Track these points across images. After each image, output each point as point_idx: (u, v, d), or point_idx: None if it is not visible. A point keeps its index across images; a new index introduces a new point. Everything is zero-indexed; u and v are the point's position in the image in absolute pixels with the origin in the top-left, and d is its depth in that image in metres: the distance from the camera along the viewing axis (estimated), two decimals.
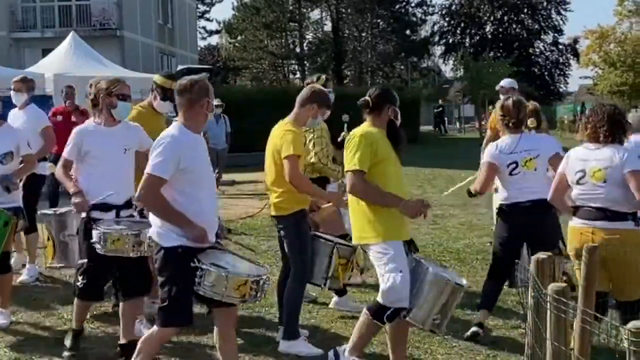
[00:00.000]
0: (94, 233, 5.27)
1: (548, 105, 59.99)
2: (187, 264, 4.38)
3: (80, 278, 5.49)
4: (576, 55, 60.45)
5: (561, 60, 61.64)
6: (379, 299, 5.06)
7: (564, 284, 3.27)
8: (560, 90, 63.52)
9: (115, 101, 5.61)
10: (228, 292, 4.36)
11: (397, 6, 53.19)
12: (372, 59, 52.24)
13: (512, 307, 6.96)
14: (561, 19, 59.72)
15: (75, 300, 5.66)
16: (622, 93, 53.32)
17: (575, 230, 5.37)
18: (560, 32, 60.12)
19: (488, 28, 59.59)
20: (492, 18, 58.98)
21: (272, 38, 52.60)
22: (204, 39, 63.16)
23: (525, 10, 58.27)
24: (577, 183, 5.33)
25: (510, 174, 6.01)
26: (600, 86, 54.19)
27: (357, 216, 5.18)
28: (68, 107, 10.77)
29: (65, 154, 5.63)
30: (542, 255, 3.68)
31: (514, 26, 59.27)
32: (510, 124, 6.08)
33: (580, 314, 3.27)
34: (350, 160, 5.11)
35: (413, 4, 54.70)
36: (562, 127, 42.52)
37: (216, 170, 17.01)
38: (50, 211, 7.19)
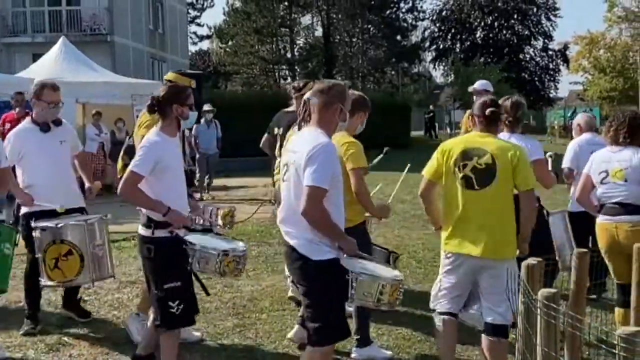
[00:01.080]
0: (195, 252, 4.88)
1: (538, 110, 60.25)
2: (342, 275, 4.26)
3: (175, 304, 4.92)
4: (566, 61, 60.73)
5: (551, 66, 61.87)
6: (503, 319, 4.84)
7: (554, 290, 3.27)
8: (550, 95, 63.72)
9: (187, 111, 5.16)
10: (384, 298, 4.27)
11: (388, 12, 53.30)
12: (363, 65, 52.32)
13: None
14: (551, 25, 59.99)
15: (166, 333, 5.06)
16: (612, 99, 53.63)
17: (601, 227, 5.81)
18: (550, 37, 60.37)
19: (478, 34, 59.77)
20: (482, 24, 59.16)
21: (263, 43, 52.61)
22: (194, 44, 63.32)
23: (516, 16, 58.48)
24: (601, 183, 5.82)
25: None
26: (590, 92, 54.51)
27: (495, 229, 4.87)
28: (19, 114, 10.78)
29: (138, 169, 4.88)
30: (532, 260, 3.68)
31: (504, 32, 59.48)
32: (507, 122, 6.09)
33: (570, 320, 3.27)
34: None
35: (404, 10, 54.87)
36: (552, 133, 42.64)
37: (207, 176, 17.06)
38: (73, 221, 6.05)
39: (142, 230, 5.02)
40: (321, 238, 4.32)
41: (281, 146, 7.60)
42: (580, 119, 8.30)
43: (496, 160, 4.82)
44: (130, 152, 5.54)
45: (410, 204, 13.59)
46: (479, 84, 10.09)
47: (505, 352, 4.88)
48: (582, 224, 6.65)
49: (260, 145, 7.71)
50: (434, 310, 5.16)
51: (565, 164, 7.64)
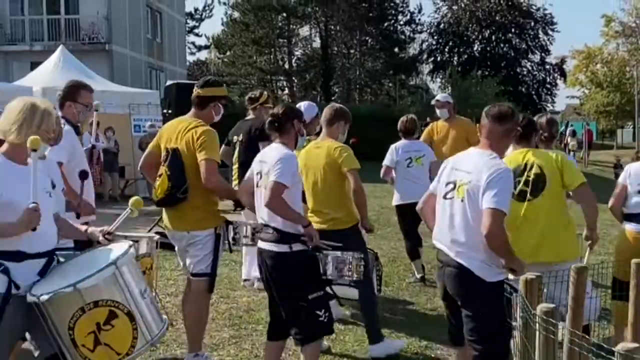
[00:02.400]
0: (329, 260, 5.07)
1: None
2: (503, 295, 4.35)
3: (322, 312, 5.05)
4: (563, 75, 60.82)
5: (548, 80, 61.96)
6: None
7: (553, 305, 3.26)
8: (547, 109, 63.81)
9: (302, 128, 5.40)
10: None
11: (386, 24, 53.37)
12: (360, 76, 52.38)
13: None
14: (548, 39, 60.10)
15: (313, 344, 5.15)
16: (609, 113, 53.69)
17: (631, 235, 6.06)
18: (547, 52, 60.48)
19: (476, 47, 59.86)
20: (480, 37, 59.27)
21: (261, 54, 52.65)
22: (192, 54, 63.18)
23: (513, 30, 58.60)
24: (638, 193, 6.08)
25: None
26: (587, 106, 54.56)
27: (554, 234, 5.18)
28: None
29: (284, 180, 4.96)
30: (530, 275, 3.68)
31: (502, 45, 59.58)
32: (542, 138, 6.18)
33: (569, 335, 3.26)
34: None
35: (402, 22, 54.92)
36: (556, 146, 42.69)
37: None
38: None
39: (274, 247, 5.02)
40: (492, 260, 4.43)
41: (240, 153, 7.82)
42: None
43: (543, 169, 5.25)
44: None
45: None
46: (441, 97, 10.57)
47: None
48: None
49: None
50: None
51: None
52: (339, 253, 5.12)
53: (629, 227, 6.13)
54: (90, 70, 20.17)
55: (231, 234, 5.73)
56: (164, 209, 5.89)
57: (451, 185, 4.59)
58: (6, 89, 17.75)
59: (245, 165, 7.71)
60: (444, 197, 4.63)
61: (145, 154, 6.14)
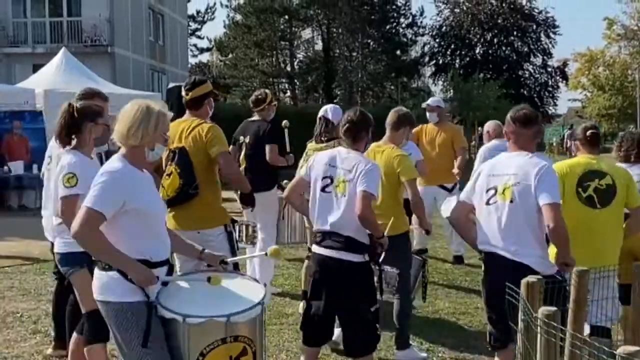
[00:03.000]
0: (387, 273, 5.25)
1: None
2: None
3: (378, 325, 5.13)
4: (565, 78, 60.83)
5: (550, 83, 61.91)
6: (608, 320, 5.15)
7: (554, 308, 3.26)
8: (549, 112, 63.80)
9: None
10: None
11: (388, 27, 53.39)
12: (362, 79, 52.38)
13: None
14: (550, 42, 60.06)
15: (367, 356, 5.17)
16: (611, 116, 53.75)
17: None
18: (549, 55, 60.44)
19: (478, 50, 59.86)
20: (482, 40, 59.27)
21: (263, 56, 52.67)
22: (194, 56, 63.24)
23: (515, 32, 58.59)
24: None
25: None
26: (589, 109, 54.65)
27: (615, 243, 5.30)
28: None
29: (374, 191, 5.03)
30: (532, 278, 3.67)
31: (504, 48, 59.56)
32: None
33: (570, 338, 3.26)
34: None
35: (404, 25, 54.93)
36: (551, 150, 42.69)
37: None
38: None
39: (346, 255, 4.97)
40: (546, 255, 4.66)
41: (246, 153, 7.85)
42: (488, 125, 9.43)
43: (615, 181, 5.29)
44: None
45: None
46: (431, 101, 10.79)
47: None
48: None
49: None
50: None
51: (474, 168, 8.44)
52: (388, 267, 5.20)
53: None
54: (93, 72, 20.21)
55: (236, 234, 5.76)
56: (169, 211, 5.79)
57: (492, 191, 4.73)
58: (8, 91, 17.81)
59: (252, 166, 7.76)
60: (487, 204, 4.75)
61: None
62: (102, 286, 3.97)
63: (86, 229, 3.81)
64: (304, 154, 7.57)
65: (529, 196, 4.56)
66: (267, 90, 8.46)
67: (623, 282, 5.54)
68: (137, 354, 3.90)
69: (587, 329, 5.16)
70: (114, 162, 4.02)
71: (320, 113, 7.69)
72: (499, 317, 4.65)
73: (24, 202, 16.02)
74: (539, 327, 3.22)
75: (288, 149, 8.00)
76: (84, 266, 4.72)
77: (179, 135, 5.78)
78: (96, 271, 4.01)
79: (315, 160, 5.27)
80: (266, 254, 4.66)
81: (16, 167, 15.79)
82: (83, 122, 4.95)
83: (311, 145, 7.60)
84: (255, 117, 8.12)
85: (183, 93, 5.98)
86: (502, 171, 4.74)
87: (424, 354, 6.29)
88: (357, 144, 5.20)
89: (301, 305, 7.40)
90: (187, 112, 5.99)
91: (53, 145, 5.39)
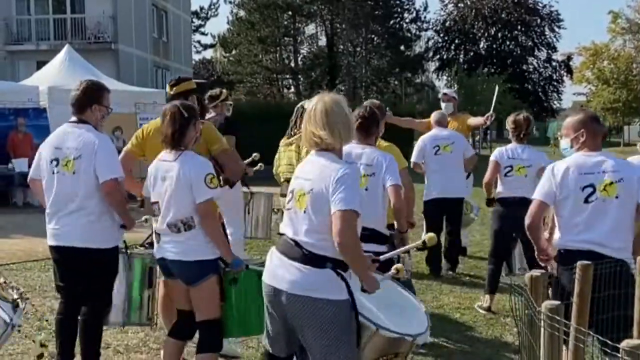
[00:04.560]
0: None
1: (541, 121, 60.20)
2: None
3: None
4: (570, 72, 60.71)
5: (555, 77, 61.89)
6: None
7: (558, 302, 3.26)
8: (554, 106, 63.75)
9: None
10: None
11: (392, 22, 53.35)
12: (366, 74, 52.37)
13: (504, 324, 6.96)
14: (555, 36, 60.03)
15: None
16: (615, 110, 53.56)
17: None
18: (553, 49, 60.40)
19: (482, 44, 59.83)
20: (486, 34, 59.22)
21: (266, 52, 52.69)
22: (198, 52, 63.28)
23: (519, 27, 58.53)
24: None
25: (506, 175, 7.35)
26: (594, 103, 54.40)
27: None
28: None
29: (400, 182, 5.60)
30: (536, 272, 3.67)
31: (508, 43, 59.52)
32: (521, 135, 7.29)
33: (574, 332, 3.26)
34: None
35: (408, 20, 54.90)
36: (555, 144, 42.60)
37: (248, 190, 17.23)
38: None
39: (374, 247, 5.06)
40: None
41: None
42: (432, 115, 9.60)
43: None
44: None
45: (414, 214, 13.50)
46: (448, 91, 11.11)
47: None
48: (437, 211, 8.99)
49: None
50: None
51: (412, 158, 9.16)
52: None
53: None
54: (96, 69, 20.23)
55: None
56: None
57: (590, 189, 4.70)
58: (12, 89, 17.84)
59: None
60: (586, 202, 4.71)
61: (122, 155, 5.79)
62: (322, 284, 3.88)
63: (354, 233, 3.81)
64: (277, 152, 7.64)
65: (634, 192, 4.70)
66: (223, 89, 8.61)
67: None
68: (351, 351, 3.93)
69: None
70: (340, 163, 3.95)
71: (298, 105, 7.79)
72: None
73: (29, 199, 16.02)
74: (542, 321, 3.22)
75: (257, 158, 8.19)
76: (217, 273, 4.82)
77: None
78: (309, 269, 3.89)
79: None
80: (424, 243, 4.64)
81: (20, 165, 15.80)
82: (191, 121, 4.92)
83: (282, 141, 7.64)
84: (212, 114, 8.25)
85: (167, 89, 6.00)
86: (600, 168, 4.75)
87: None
88: (368, 139, 5.47)
89: None
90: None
91: (75, 147, 5.22)
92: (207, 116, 8.27)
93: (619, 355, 2.67)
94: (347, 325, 3.89)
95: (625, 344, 2.67)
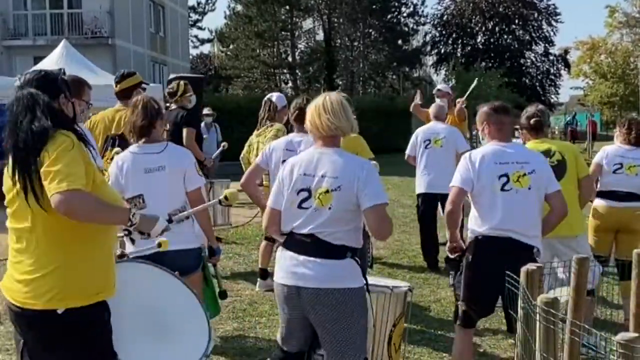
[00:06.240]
0: None
1: None
2: None
3: None
4: (567, 66, 60.74)
5: (552, 71, 61.84)
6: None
7: (553, 296, 3.27)
8: (551, 100, 63.73)
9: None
10: None
11: (389, 16, 53.30)
12: (364, 69, 52.33)
13: (502, 318, 6.97)
14: (552, 30, 59.97)
15: None
16: (613, 104, 53.68)
17: (603, 209, 6.64)
18: (551, 42, 60.36)
19: (479, 38, 59.79)
20: (483, 29, 59.18)
21: (264, 47, 52.58)
22: (195, 47, 63.15)
23: (517, 21, 58.48)
24: (614, 172, 6.64)
25: None
26: (591, 97, 54.55)
27: (572, 212, 5.55)
28: None
29: None
30: (531, 266, 3.68)
31: (505, 37, 59.49)
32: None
33: (570, 325, 3.27)
34: None
35: (405, 14, 54.84)
36: (553, 138, 42.61)
37: (208, 180, 17.16)
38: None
39: None
40: None
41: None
42: (430, 108, 9.70)
43: (564, 156, 5.81)
44: None
45: (411, 208, 13.57)
46: (442, 87, 11.07)
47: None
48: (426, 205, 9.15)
49: None
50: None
51: (407, 150, 9.36)
52: None
53: (601, 203, 6.66)
54: (94, 64, 20.19)
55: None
56: None
57: (505, 179, 4.88)
58: (9, 84, 17.80)
59: None
60: (502, 190, 4.87)
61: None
62: (345, 274, 4.04)
63: (390, 223, 4.14)
64: (246, 145, 7.96)
65: (542, 183, 4.94)
66: (180, 82, 8.80)
67: (595, 251, 6.33)
68: (365, 333, 4.18)
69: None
70: (359, 159, 4.27)
71: (265, 98, 8.17)
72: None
73: None
74: (538, 315, 3.23)
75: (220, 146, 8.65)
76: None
77: (116, 122, 6.42)
78: (332, 262, 4.01)
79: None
80: (225, 198, 4.74)
81: None
82: (161, 113, 5.10)
83: (255, 133, 7.99)
84: (173, 107, 8.57)
85: (115, 84, 6.72)
86: (513, 159, 4.95)
87: None
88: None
89: (258, 284, 7.74)
90: (119, 102, 6.77)
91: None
92: (171, 108, 8.69)
93: (614, 347, 2.69)
94: (365, 310, 4.12)
95: (620, 337, 2.69)
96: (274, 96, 8.17)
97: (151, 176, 4.83)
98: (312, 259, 3.99)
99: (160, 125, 5.00)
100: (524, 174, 4.87)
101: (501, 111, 5.09)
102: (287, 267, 4.09)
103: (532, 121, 5.94)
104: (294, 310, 4.12)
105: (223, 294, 5.48)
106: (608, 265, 6.72)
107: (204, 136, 15.81)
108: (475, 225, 4.95)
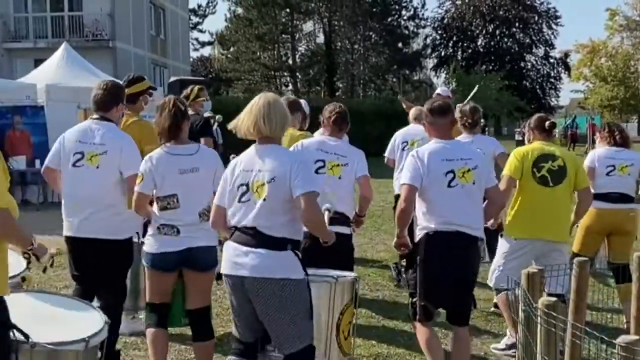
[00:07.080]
0: None
1: None
2: None
3: None
4: (567, 69, 60.78)
5: (552, 74, 61.92)
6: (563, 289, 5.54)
7: (554, 298, 3.27)
8: (552, 103, 63.77)
9: None
10: None
11: (390, 19, 53.36)
12: (364, 72, 52.39)
13: (503, 321, 6.96)
14: (552, 33, 60.10)
15: None
16: (613, 107, 53.67)
17: (596, 211, 6.71)
18: (551, 46, 60.45)
19: (480, 41, 59.87)
20: (484, 32, 59.26)
21: (264, 50, 52.65)
22: (196, 50, 63.17)
23: (517, 24, 58.56)
24: (606, 175, 6.88)
25: None
26: (591, 100, 54.52)
27: (562, 218, 6.02)
28: None
29: None
30: (532, 269, 3.68)
31: (506, 40, 59.56)
32: (466, 124, 7.40)
33: (571, 328, 3.27)
34: None
35: (405, 17, 54.92)
36: (553, 140, 42.58)
37: None
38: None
39: (343, 229, 5.81)
40: None
41: None
42: (410, 112, 9.38)
43: (566, 164, 5.93)
44: None
45: None
46: (442, 90, 11.05)
47: None
48: None
49: None
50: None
51: (385, 153, 8.93)
52: None
53: (595, 205, 6.64)
54: (94, 67, 20.19)
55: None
56: None
57: (451, 175, 5.02)
58: (10, 86, 17.81)
59: None
60: (449, 186, 5.01)
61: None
62: (284, 265, 4.21)
63: (319, 210, 4.40)
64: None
65: (483, 178, 5.12)
66: (194, 87, 8.70)
67: (579, 251, 6.72)
68: (308, 323, 4.31)
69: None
70: (291, 152, 4.76)
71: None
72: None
73: (27, 197, 16.01)
74: (539, 318, 3.23)
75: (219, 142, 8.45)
76: None
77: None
78: (272, 252, 4.19)
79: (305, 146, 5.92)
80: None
81: (18, 163, 15.79)
82: (187, 115, 5.17)
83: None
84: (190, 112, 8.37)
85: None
86: (457, 155, 5.10)
87: None
88: (340, 133, 6.03)
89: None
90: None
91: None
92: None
93: (615, 350, 2.69)
94: (306, 300, 4.27)
95: (621, 339, 2.69)
96: (303, 103, 7.93)
97: (186, 177, 4.96)
98: (253, 249, 4.19)
99: (186, 126, 5.08)
100: (468, 170, 5.04)
101: (436, 113, 5.21)
102: (230, 257, 4.30)
103: (547, 124, 6.16)
104: (242, 300, 4.33)
105: (219, 277, 5.39)
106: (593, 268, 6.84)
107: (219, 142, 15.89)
108: (424, 221, 5.07)
